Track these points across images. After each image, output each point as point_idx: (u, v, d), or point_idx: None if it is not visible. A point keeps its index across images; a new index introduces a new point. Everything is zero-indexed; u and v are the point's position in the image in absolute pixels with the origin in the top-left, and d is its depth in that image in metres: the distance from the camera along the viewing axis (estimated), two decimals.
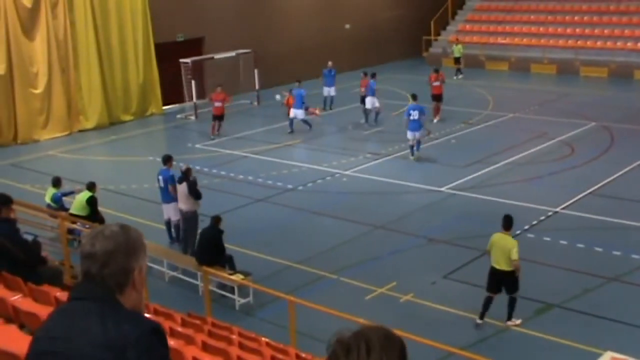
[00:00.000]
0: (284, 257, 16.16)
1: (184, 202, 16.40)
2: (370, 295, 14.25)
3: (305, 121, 27.09)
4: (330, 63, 31.86)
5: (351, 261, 15.85)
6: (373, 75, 28.40)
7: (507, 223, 12.84)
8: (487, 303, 12.88)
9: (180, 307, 12.03)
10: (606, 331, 12.69)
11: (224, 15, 34.46)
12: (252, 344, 9.38)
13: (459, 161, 22.90)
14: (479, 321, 12.99)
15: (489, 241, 12.84)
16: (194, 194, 16.23)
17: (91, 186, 16.96)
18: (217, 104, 26.46)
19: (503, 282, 12.72)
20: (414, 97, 23.68)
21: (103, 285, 3.05)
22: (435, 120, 27.61)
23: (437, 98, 28.23)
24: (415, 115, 22.82)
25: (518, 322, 12.95)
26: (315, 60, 38.56)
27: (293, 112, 27.00)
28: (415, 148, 23.23)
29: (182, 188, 16.37)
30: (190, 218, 16.34)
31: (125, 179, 22.36)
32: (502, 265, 12.57)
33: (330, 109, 30.94)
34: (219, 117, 26.80)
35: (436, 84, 28.23)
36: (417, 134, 23.03)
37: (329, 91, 31.29)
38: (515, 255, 12.36)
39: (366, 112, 28.18)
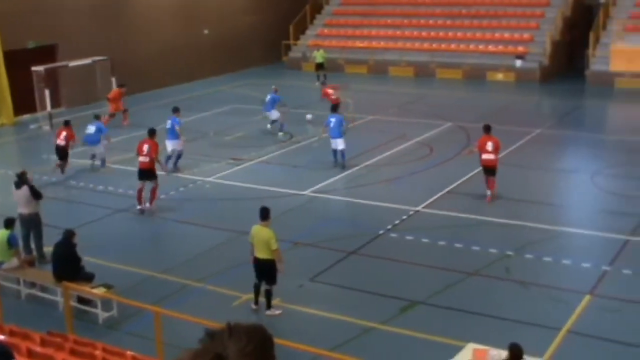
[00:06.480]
0: (147, 267, 15.79)
1: (25, 206, 16.00)
2: (237, 302, 14.14)
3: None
4: (274, 87, 28.12)
5: (217, 268, 15.68)
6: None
7: None
8: None
9: (39, 326, 11.55)
10: (468, 324, 13.08)
11: (77, 21, 33.42)
12: (116, 359, 9.09)
13: (321, 164, 23.09)
14: None
15: None
16: (37, 195, 16.06)
17: (9, 223, 15.00)
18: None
19: None
20: (334, 107, 23.96)
21: None
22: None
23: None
24: (333, 123, 22.63)
25: None
26: (175, 66, 38.13)
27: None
28: (340, 159, 22.74)
29: (22, 192, 16.00)
30: (36, 220, 16.08)
31: None
32: None
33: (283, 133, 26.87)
34: None
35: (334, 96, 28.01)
36: (339, 142, 22.53)
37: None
38: None
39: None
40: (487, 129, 19.84)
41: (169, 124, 23.32)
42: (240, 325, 2.45)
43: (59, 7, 32.72)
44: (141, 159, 19.48)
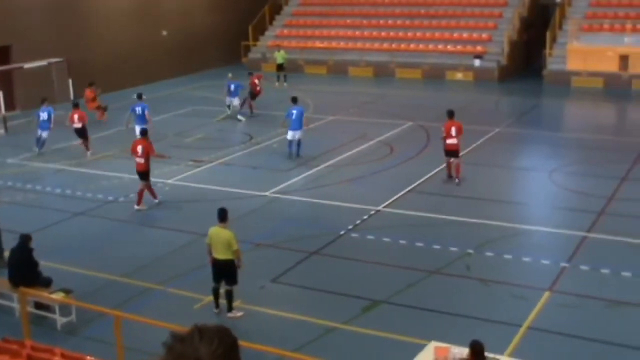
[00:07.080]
0: (107, 271, 15.58)
1: None
2: (199, 305, 14.01)
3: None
4: (230, 75, 30.57)
5: (178, 271, 15.53)
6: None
7: None
8: None
9: None
10: (430, 322, 13.12)
11: (32, 22, 32.90)
12: None
13: (282, 165, 23.05)
14: None
15: None
16: None
17: None
18: None
19: None
20: (295, 100, 24.40)
21: None
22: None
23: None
24: (294, 115, 23.48)
25: None
26: (133, 68, 37.76)
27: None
28: (296, 149, 23.69)
29: None
30: None
31: None
32: None
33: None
34: None
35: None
36: (298, 133, 23.53)
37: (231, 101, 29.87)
38: None
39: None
40: (451, 114, 21.27)
41: (138, 110, 24.20)
42: (209, 327, 2.45)
43: (13, 6, 32.20)
44: (137, 160, 19.39)
